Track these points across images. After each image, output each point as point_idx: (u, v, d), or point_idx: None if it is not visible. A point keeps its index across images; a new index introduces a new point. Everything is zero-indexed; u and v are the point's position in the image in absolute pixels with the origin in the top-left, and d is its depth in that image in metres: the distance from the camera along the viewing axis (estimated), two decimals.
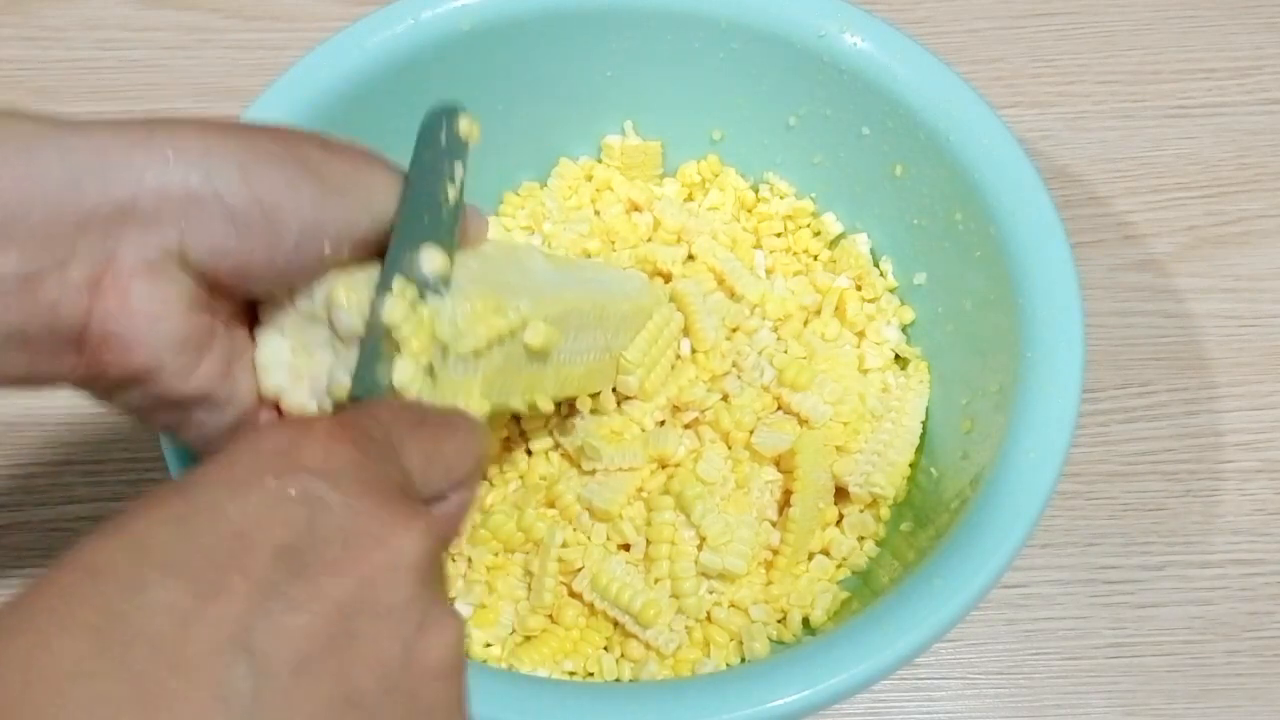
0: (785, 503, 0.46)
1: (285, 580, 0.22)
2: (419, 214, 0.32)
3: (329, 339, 0.32)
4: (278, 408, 0.33)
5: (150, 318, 0.28)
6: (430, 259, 0.31)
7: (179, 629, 0.20)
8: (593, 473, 0.46)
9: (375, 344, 0.31)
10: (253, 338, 0.33)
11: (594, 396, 0.47)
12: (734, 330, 0.50)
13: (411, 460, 0.27)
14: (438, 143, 0.33)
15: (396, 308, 0.30)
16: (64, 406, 0.53)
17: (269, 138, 0.30)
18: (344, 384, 0.31)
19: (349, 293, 0.31)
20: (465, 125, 0.34)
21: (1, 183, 0.26)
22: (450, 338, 0.32)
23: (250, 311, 0.33)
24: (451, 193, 0.33)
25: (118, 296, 0.28)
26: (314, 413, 0.32)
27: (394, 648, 0.23)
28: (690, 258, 0.52)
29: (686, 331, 0.49)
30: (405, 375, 0.31)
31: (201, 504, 0.23)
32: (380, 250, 0.32)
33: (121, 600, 0.20)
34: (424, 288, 0.31)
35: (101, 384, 0.29)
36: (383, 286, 0.31)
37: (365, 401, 0.30)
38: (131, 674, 0.19)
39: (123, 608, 0.20)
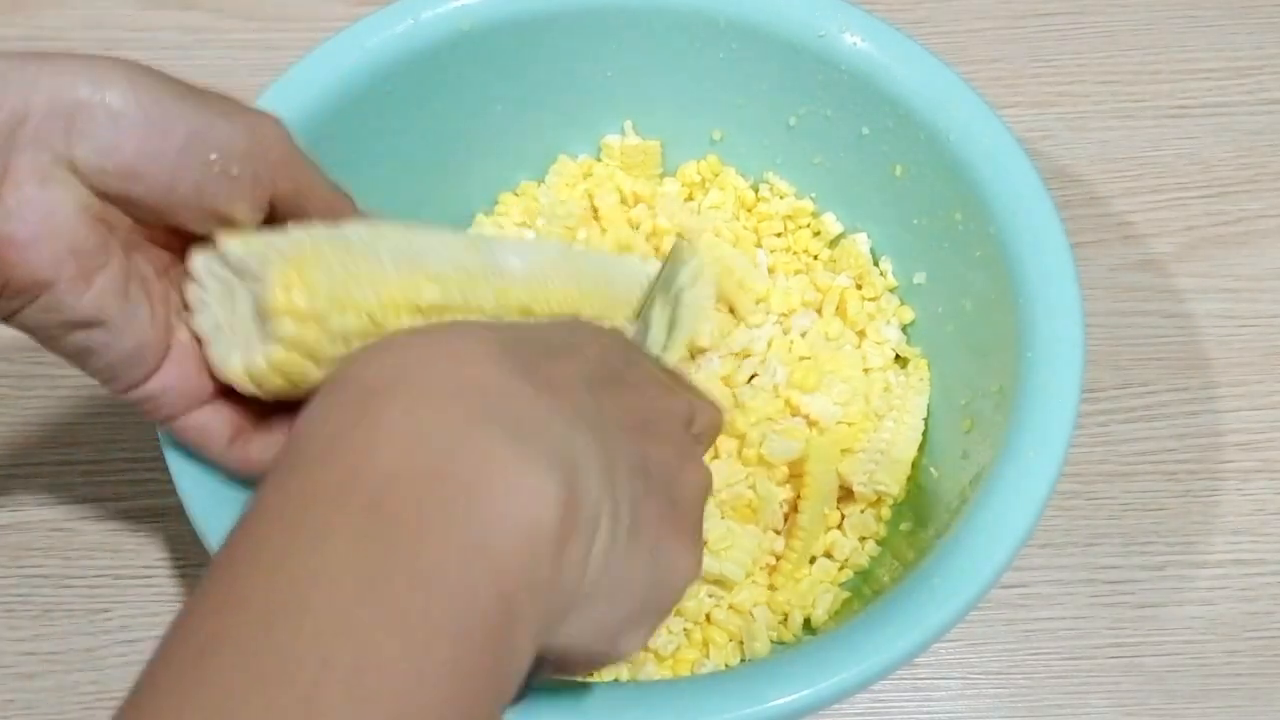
0: (792, 508, 0.46)
1: (602, 382, 0.28)
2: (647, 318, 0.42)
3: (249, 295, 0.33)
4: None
5: (43, 218, 0.30)
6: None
7: (538, 368, 0.25)
8: None
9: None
10: (159, 275, 0.34)
11: None
12: (738, 324, 0.50)
13: None
14: (677, 264, 0.44)
15: None
16: (64, 406, 0.53)
17: (157, 70, 0.32)
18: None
19: (238, 240, 0.33)
20: (696, 263, 0.45)
21: None
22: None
23: (163, 255, 0.34)
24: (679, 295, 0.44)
25: (15, 199, 0.30)
26: (236, 366, 0.33)
27: (671, 457, 0.29)
28: None
29: None
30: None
31: (535, 327, 0.29)
32: (272, 200, 0.34)
33: (495, 336, 0.26)
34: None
35: (5, 296, 0.31)
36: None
37: None
38: (520, 374, 0.24)
39: (502, 337, 0.25)
